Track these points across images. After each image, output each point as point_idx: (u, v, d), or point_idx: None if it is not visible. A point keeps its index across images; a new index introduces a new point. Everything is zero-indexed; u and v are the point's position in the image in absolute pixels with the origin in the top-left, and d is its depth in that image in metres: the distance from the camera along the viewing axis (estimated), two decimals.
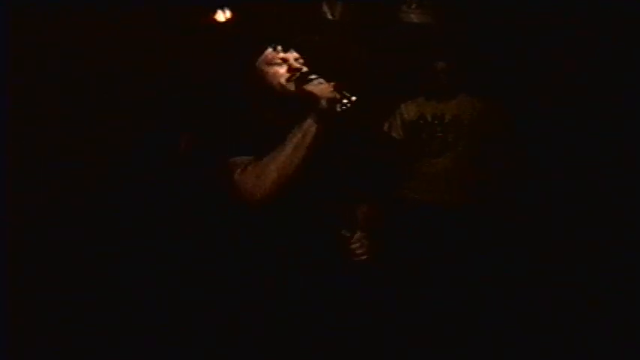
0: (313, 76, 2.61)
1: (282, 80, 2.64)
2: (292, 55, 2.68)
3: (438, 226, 4.00)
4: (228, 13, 4.24)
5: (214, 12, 4.24)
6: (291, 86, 2.63)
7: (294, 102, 2.61)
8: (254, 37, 3.62)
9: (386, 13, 4.56)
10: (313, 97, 2.54)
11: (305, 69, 2.66)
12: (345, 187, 2.72)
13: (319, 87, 2.57)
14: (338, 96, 2.52)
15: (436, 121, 4.23)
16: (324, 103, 2.52)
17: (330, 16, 4.48)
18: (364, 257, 2.69)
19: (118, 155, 3.77)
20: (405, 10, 4.63)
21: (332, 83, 2.57)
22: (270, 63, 2.66)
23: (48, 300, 3.39)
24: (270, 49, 2.67)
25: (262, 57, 2.67)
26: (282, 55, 2.67)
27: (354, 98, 2.52)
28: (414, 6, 4.60)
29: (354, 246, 2.68)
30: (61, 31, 3.60)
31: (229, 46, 3.71)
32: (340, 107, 2.51)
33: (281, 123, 2.57)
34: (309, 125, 2.51)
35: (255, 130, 2.57)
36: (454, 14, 4.55)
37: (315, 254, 2.64)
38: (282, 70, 2.65)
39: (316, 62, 2.71)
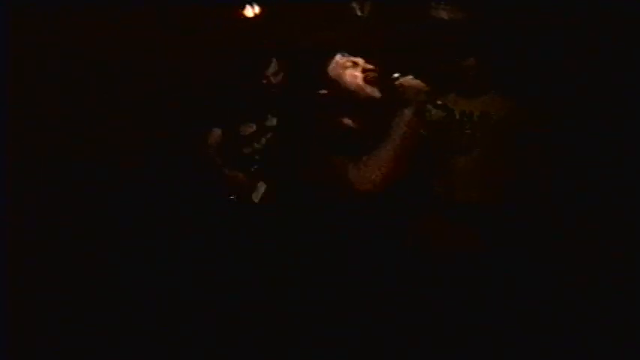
0: (396, 74, 2.88)
1: (360, 81, 2.87)
2: (361, 59, 2.92)
3: (464, 224, 3.98)
4: (257, 9, 4.18)
5: (243, 7, 4.18)
6: (370, 85, 2.87)
7: (370, 102, 2.87)
8: (279, 33, 3.67)
9: (416, 9, 4.56)
10: (411, 91, 2.83)
11: (374, 68, 2.91)
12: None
13: (415, 81, 2.86)
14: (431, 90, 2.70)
15: (465, 118, 4.20)
16: (423, 96, 2.81)
17: (359, 13, 4.47)
18: None
19: (118, 155, 3.76)
20: (434, 7, 4.61)
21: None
22: (344, 67, 2.88)
23: (48, 300, 3.39)
24: (339, 55, 2.90)
25: (334, 63, 2.90)
26: (352, 58, 2.91)
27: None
28: (443, 2, 4.58)
29: None
30: (61, 31, 3.60)
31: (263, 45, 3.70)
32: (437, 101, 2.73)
33: (360, 122, 2.87)
34: (410, 117, 2.82)
35: (333, 131, 2.86)
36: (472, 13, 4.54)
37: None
38: (357, 72, 2.88)
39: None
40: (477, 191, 4.05)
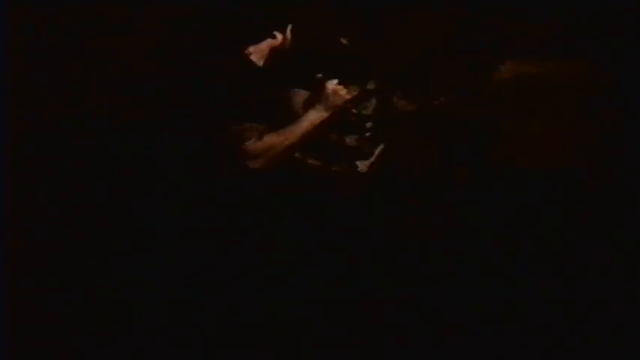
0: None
1: None
2: None
3: None
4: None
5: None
6: None
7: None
8: None
9: None
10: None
11: None
12: None
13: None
14: None
15: (527, 81, 4.10)
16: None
17: None
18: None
19: (119, 154, 3.76)
20: None
21: None
22: None
23: (48, 300, 3.38)
24: None
25: None
26: None
27: None
28: None
29: None
30: (61, 31, 3.60)
31: None
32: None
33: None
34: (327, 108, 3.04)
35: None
36: None
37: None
38: None
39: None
40: (537, 156, 3.97)
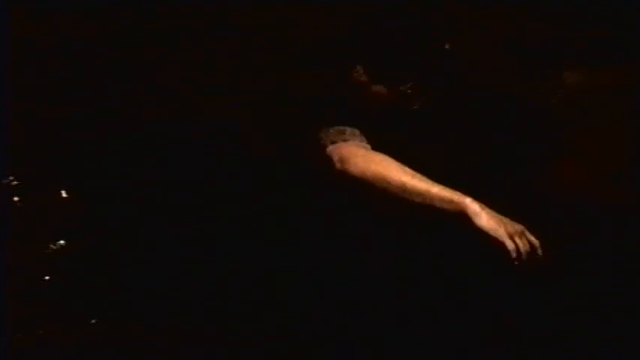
0: None
1: None
2: None
3: None
4: None
5: None
6: None
7: None
8: None
9: None
10: None
11: None
12: None
13: None
14: None
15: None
16: None
17: None
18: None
19: (121, 154, 3.77)
20: None
21: None
22: None
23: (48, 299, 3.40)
24: None
25: None
26: None
27: None
28: None
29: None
30: (61, 31, 3.62)
31: None
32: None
33: None
34: None
35: None
36: None
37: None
38: None
39: None
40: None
